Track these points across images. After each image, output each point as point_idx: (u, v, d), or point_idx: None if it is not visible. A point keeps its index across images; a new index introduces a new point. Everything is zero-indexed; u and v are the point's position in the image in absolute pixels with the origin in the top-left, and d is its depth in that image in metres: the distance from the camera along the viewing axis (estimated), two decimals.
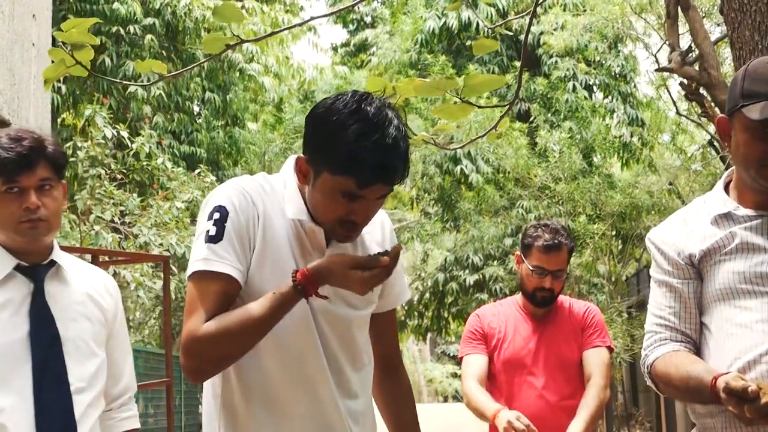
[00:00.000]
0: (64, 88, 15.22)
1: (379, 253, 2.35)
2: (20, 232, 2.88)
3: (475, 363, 4.34)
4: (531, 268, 4.27)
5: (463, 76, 2.96)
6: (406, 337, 18.26)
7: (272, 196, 2.53)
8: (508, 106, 3.06)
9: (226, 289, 2.40)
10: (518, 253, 4.37)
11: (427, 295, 17.27)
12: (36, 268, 2.94)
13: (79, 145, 13.16)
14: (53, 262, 2.99)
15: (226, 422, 2.53)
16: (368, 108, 2.37)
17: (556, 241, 4.24)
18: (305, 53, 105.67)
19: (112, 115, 14.23)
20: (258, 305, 2.35)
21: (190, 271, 2.44)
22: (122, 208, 13.26)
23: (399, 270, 2.72)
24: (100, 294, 3.06)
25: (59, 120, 15.70)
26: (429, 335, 20.40)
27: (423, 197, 19.77)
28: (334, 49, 26.13)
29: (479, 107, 2.99)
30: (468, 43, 19.31)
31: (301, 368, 2.50)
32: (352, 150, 2.33)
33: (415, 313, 17.44)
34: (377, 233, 2.71)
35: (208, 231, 2.43)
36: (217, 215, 2.44)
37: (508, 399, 4.29)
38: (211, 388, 2.57)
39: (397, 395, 2.83)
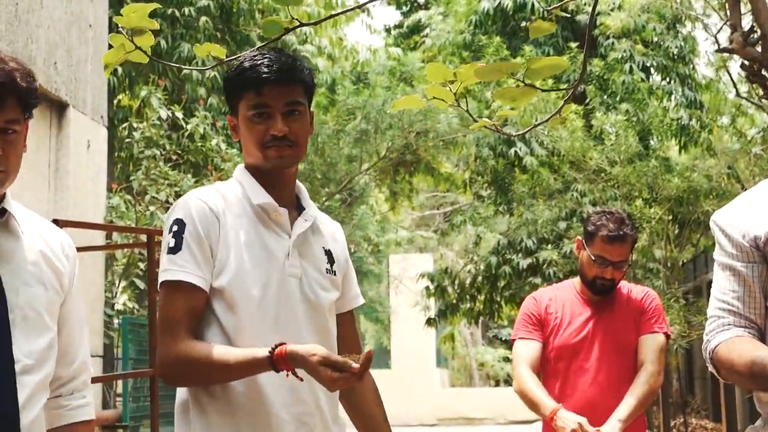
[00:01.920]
0: (120, 70, 15.31)
1: (346, 355, 2.46)
2: None
3: (528, 348, 4.26)
4: (593, 258, 4.18)
5: (524, 58, 2.88)
6: (458, 321, 18.15)
7: (230, 197, 2.68)
8: (570, 91, 2.98)
9: (190, 297, 2.56)
10: (579, 238, 4.28)
11: (480, 278, 17.14)
12: None
13: (135, 125, 13.25)
14: (4, 211, 2.46)
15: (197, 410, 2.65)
16: (263, 51, 2.75)
17: (621, 233, 4.14)
18: (358, 35, 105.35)
19: (167, 97, 14.29)
20: (235, 357, 2.49)
21: (159, 284, 2.60)
22: (177, 189, 13.34)
23: (352, 275, 2.90)
24: (57, 255, 2.52)
25: (115, 101, 15.80)
26: (481, 319, 20.28)
27: (476, 180, 19.62)
28: (388, 30, 26.01)
29: (542, 91, 2.92)
30: (523, 24, 19.11)
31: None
32: (243, 68, 2.71)
33: (467, 297, 17.32)
34: (330, 233, 2.85)
35: (168, 244, 2.59)
36: (175, 227, 2.60)
37: (563, 385, 4.21)
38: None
39: (363, 391, 2.86)
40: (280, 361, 2.45)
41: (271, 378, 2.58)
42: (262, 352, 2.47)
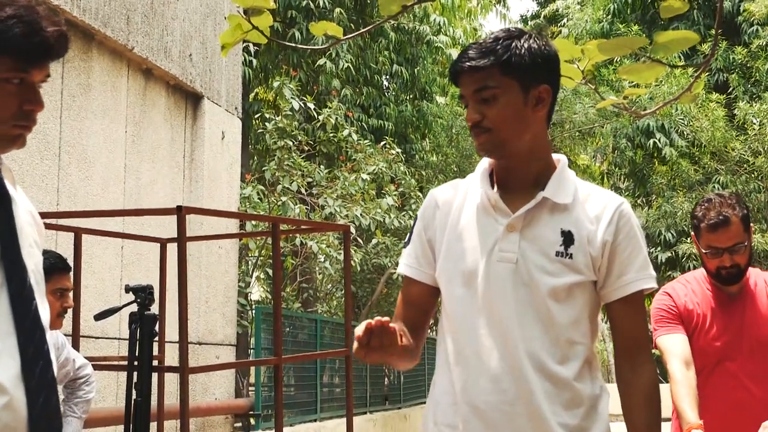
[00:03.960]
0: (255, 62, 15.51)
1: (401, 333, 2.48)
2: (9, 136, 2.11)
3: (677, 342, 3.87)
4: (704, 251, 3.94)
5: (653, 34, 2.73)
6: None
7: (463, 187, 2.67)
8: (703, 64, 2.81)
9: (407, 287, 2.71)
10: (693, 233, 4.05)
11: None
12: None
13: (268, 117, 13.40)
14: None
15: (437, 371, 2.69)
16: (488, 37, 2.59)
17: (721, 217, 3.85)
18: (494, 26, 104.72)
19: (300, 88, 14.41)
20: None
21: None
22: (309, 180, 13.44)
23: (625, 260, 2.60)
24: (36, 214, 2.28)
25: (252, 94, 16.04)
26: None
27: (614, 172, 19.25)
28: (524, 21, 25.73)
29: (670, 66, 2.75)
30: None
31: (494, 330, 2.53)
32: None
33: None
34: (589, 212, 2.60)
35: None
36: (412, 222, 2.75)
37: (702, 389, 3.91)
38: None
39: (630, 389, 2.61)
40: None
41: (470, 367, 2.54)
42: None
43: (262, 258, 12.97)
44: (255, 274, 13.28)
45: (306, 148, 14.08)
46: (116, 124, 8.13)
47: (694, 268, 14.22)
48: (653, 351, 2.81)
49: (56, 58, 2.14)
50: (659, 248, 15.63)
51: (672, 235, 15.50)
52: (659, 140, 16.36)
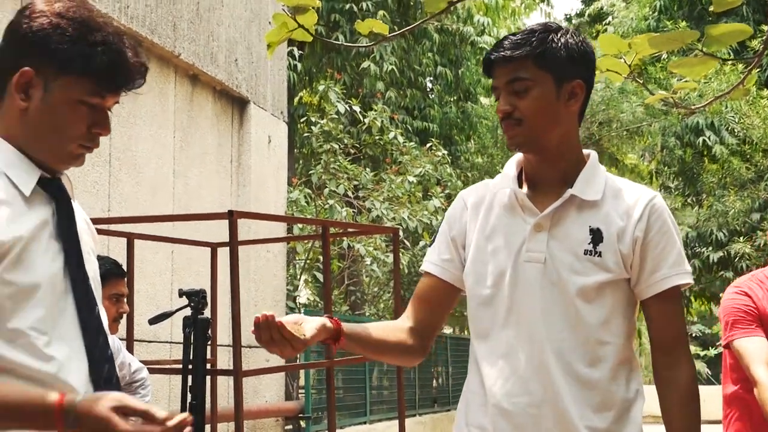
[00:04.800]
0: (300, 66, 15.56)
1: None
2: (73, 155, 2.18)
3: (762, 345, 3.65)
4: None
5: (704, 27, 2.69)
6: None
7: (493, 187, 2.63)
8: (756, 58, 2.76)
9: (424, 282, 2.69)
10: None
11: None
12: (56, 183, 2.20)
13: (314, 120, 13.44)
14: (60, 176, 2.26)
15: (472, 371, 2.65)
16: (522, 30, 2.59)
17: None
18: None
19: (344, 91, 14.44)
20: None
21: None
22: (356, 183, 13.45)
23: (658, 256, 2.52)
24: (90, 223, 2.35)
25: (297, 98, 16.10)
26: None
27: (663, 171, 19.07)
28: (569, 19, 25.58)
29: (722, 60, 2.71)
30: (711, 8, 18.42)
31: (519, 330, 2.50)
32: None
33: None
34: (620, 208, 2.53)
35: None
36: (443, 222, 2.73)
37: None
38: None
39: (668, 388, 2.52)
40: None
41: (498, 369, 2.51)
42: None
43: (309, 261, 13.00)
44: (302, 278, 13.31)
45: (352, 151, 14.10)
46: (164, 130, 8.19)
47: (748, 268, 14.06)
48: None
49: (133, 89, 2.21)
50: (711, 248, 15.45)
51: (724, 234, 15.31)
52: (709, 138, 16.17)
